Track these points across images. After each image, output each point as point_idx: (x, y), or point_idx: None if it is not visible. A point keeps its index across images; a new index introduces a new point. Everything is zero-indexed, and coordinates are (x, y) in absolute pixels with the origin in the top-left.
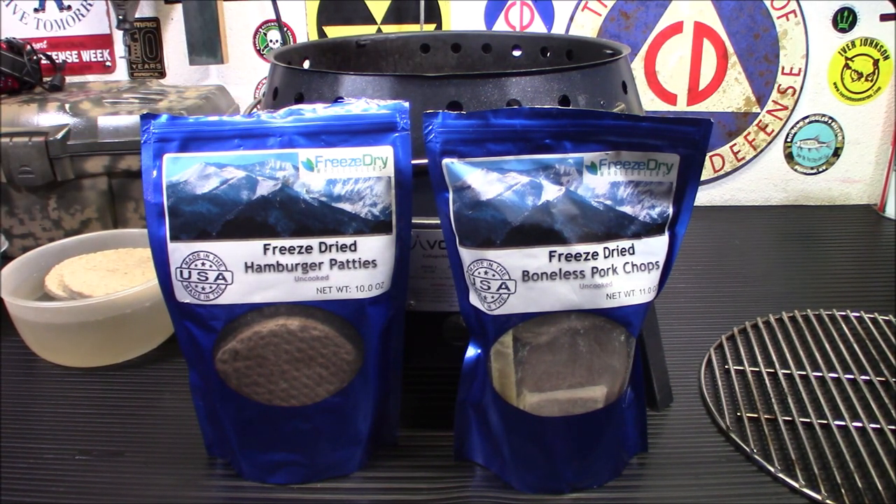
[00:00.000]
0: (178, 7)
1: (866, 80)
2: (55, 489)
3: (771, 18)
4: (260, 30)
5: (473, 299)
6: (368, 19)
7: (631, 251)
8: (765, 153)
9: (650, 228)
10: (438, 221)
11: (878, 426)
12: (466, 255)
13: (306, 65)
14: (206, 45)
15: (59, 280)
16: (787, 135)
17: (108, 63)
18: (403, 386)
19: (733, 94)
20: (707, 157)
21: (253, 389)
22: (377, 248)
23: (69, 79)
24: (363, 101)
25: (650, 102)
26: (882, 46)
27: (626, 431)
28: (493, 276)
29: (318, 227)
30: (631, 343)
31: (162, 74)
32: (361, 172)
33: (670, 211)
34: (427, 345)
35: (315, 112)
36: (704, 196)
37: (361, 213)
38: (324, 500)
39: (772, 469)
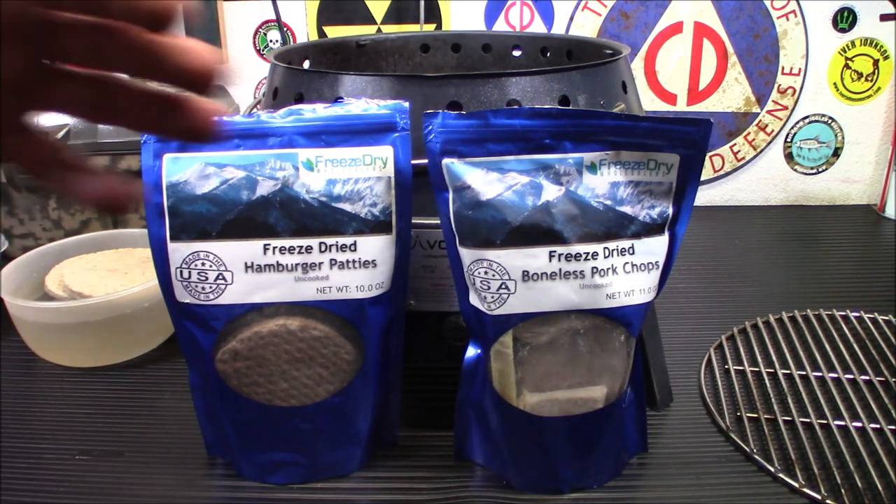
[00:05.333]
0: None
1: (866, 80)
2: (55, 489)
3: (771, 18)
4: (260, 30)
5: (473, 299)
6: (368, 19)
7: (631, 251)
8: (765, 153)
9: (650, 228)
10: (438, 221)
11: (878, 426)
12: (466, 255)
13: (306, 65)
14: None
15: (59, 280)
16: (787, 135)
17: None
18: (403, 386)
19: (733, 94)
20: (707, 157)
21: (253, 389)
22: (377, 248)
23: None
24: (363, 101)
25: (650, 102)
26: (882, 46)
27: (625, 431)
28: (493, 276)
29: (318, 227)
30: (631, 343)
31: None
32: (361, 172)
33: (670, 211)
34: (427, 345)
35: (315, 112)
36: (704, 196)
37: (361, 213)
38: (324, 500)
39: (772, 469)
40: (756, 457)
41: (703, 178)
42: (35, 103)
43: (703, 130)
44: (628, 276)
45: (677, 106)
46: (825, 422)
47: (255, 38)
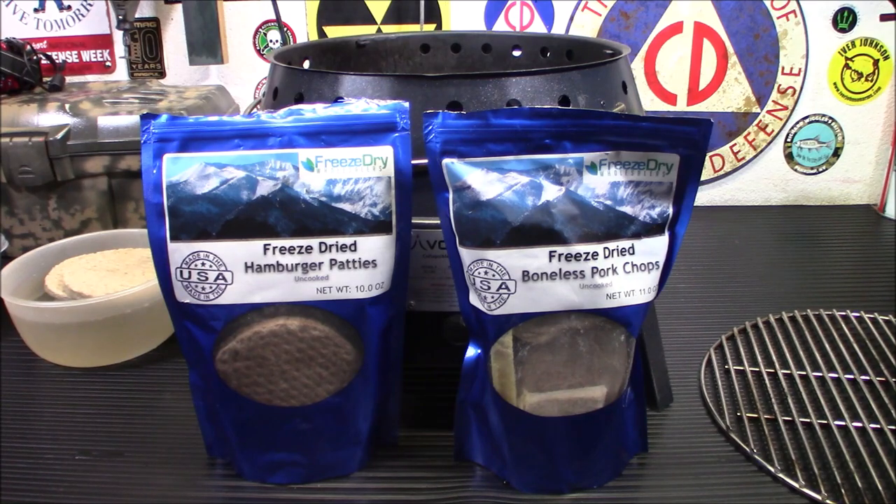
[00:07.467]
0: (178, 7)
1: (866, 80)
2: (55, 489)
3: (771, 18)
4: (260, 30)
5: (473, 299)
6: (368, 19)
7: (631, 251)
8: (765, 153)
9: (650, 228)
10: (438, 221)
11: (878, 426)
12: (466, 255)
13: (306, 65)
14: (206, 45)
15: (59, 280)
16: (787, 135)
17: (108, 63)
18: (403, 386)
19: (733, 94)
20: (707, 157)
21: (253, 389)
22: (377, 248)
23: (69, 79)
24: (363, 101)
25: (650, 102)
26: (882, 46)
27: (626, 431)
28: (493, 276)
29: (318, 227)
30: (631, 343)
31: (162, 74)
32: (361, 172)
33: (670, 211)
34: (427, 345)
35: (315, 112)
36: (704, 196)
37: (361, 213)
38: (324, 500)
39: (772, 469)
40: (756, 457)
41: (703, 178)
42: None
43: (704, 130)
44: (628, 276)
45: (677, 106)
46: (825, 422)
47: (255, 38)
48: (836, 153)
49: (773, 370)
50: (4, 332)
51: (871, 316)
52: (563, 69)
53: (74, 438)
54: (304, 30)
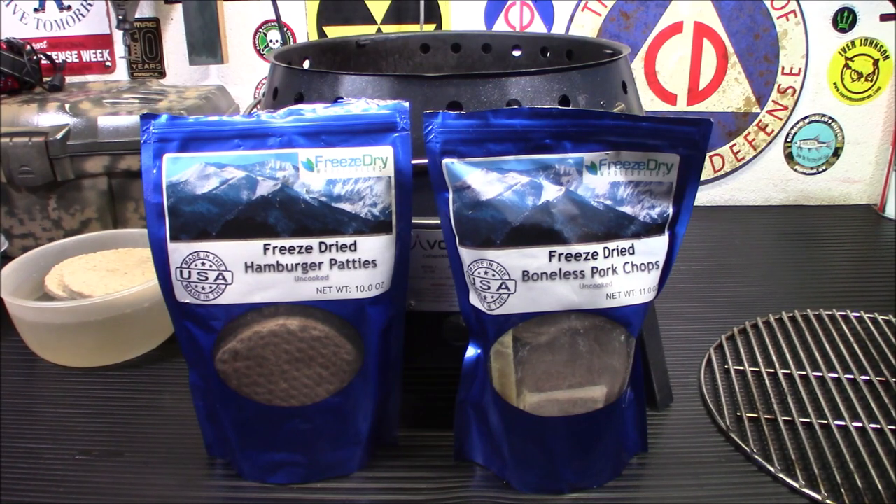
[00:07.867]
0: (178, 7)
1: (866, 80)
2: (55, 489)
3: (771, 18)
4: (260, 30)
5: (473, 299)
6: (368, 19)
7: (631, 251)
8: (765, 153)
9: (650, 228)
10: (438, 221)
11: (878, 426)
12: (466, 255)
13: (306, 65)
14: (206, 45)
15: (59, 280)
16: (787, 135)
17: (108, 63)
18: (403, 386)
19: (733, 94)
20: (707, 157)
21: (253, 389)
22: (377, 248)
23: (69, 79)
24: (363, 101)
25: (650, 102)
26: (882, 46)
27: (626, 431)
28: (493, 276)
29: (318, 227)
30: (631, 343)
31: (162, 74)
32: (361, 172)
33: (670, 211)
34: (427, 345)
35: (315, 112)
36: (704, 196)
37: (361, 213)
38: (324, 500)
39: (772, 469)
40: (756, 457)
41: (703, 178)
42: None
43: (704, 130)
44: (628, 276)
45: (677, 106)
46: (825, 422)
47: (255, 38)
48: (836, 153)
49: (773, 370)
50: (4, 332)
51: (871, 316)
52: (563, 69)
53: (74, 438)
54: (304, 30)
